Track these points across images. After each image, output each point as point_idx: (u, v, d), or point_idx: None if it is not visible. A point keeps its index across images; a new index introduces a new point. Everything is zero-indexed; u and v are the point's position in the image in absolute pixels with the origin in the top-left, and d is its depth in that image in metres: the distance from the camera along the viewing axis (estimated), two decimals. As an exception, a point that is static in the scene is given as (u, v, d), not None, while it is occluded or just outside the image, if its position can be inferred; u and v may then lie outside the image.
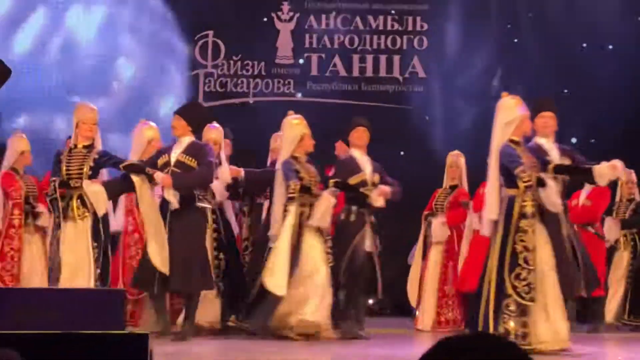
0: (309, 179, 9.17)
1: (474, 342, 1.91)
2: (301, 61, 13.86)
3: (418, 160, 12.64)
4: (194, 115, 9.09)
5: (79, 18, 13.71)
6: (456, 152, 10.85)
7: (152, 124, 10.00)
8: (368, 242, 9.33)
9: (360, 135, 9.64)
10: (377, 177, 9.47)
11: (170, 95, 13.68)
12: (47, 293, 5.58)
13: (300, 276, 8.89)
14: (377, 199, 9.27)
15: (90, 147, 8.90)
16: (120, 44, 13.77)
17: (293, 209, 9.05)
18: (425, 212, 10.86)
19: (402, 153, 13.34)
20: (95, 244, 8.68)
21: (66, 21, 13.69)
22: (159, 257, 8.46)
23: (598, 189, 10.44)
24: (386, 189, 9.41)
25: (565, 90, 13.45)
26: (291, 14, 13.92)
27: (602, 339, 9.95)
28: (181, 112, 9.04)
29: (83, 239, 8.68)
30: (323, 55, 13.90)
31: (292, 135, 9.32)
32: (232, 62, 13.81)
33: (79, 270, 8.56)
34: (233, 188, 9.67)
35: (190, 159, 8.77)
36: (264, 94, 13.81)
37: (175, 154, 8.80)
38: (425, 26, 13.95)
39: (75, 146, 8.93)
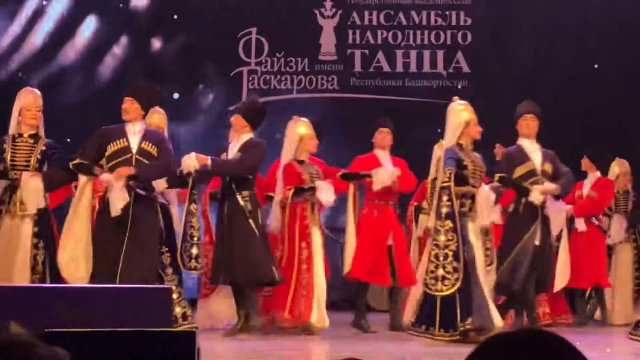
0: (473, 169, 8.33)
1: (525, 338, 1.87)
2: (341, 57, 13.85)
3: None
4: (145, 96, 8.28)
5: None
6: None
7: (304, 119, 9.54)
8: (539, 236, 8.85)
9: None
10: (548, 167, 8.95)
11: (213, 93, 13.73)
12: (95, 291, 5.60)
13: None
14: (538, 197, 8.78)
15: (36, 137, 8.26)
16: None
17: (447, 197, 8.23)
18: (416, 204, 10.33)
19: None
20: (42, 244, 8.14)
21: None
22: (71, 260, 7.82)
23: (603, 180, 10.37)
24: (549, 187, 8.85)
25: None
26: (334, 10, 13.90)
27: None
28: (134, 94, 8.19)
29: (21, 237, 8.09)
30: (366, 52, 13.88)
31: (456, 121, 8.48)
32: (275, 59, 13.83)
33: (13, 273, 7.99)
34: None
35: (152, 146, 8.05)
36: (308, 91, 13.80)
37: (136, 141, 8.03)
38: (469, 21, 13.87)
39: (20, 135, 8.25)
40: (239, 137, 8.82)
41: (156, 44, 13.90)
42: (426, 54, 13.91)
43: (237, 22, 13.81)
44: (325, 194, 9.06)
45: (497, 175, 8.83)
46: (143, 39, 13.86)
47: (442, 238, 8.05)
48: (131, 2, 13.84)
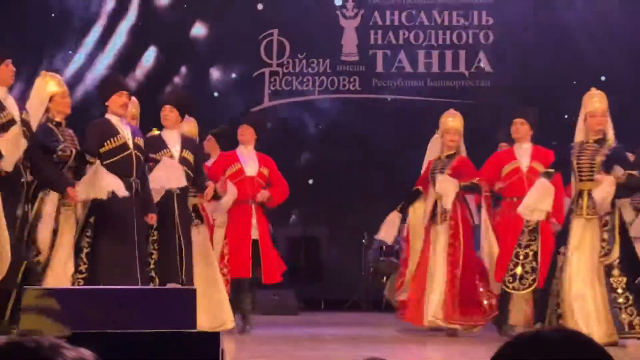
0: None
1: (553, 337, 1.84)
2: (363, 58, 13.85)
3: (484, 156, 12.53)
4: (184, 103, 8.47)
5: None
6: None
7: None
8: None
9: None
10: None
11: (236, 95, 13.75)
12: (120, 292, 5.63)
13: None
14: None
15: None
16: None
17: None
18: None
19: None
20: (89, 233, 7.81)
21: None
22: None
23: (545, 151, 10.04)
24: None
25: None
26: (355, 10, 13.90)
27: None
28: (173, 101, 8.42)
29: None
30: (388, 52, 13.87)
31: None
32: (297, 60, 13.84)
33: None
34: None
35: (189, 154, 8.36)
36: (330, 92, 13.81)
37: (177, 150, 8.30)
38: (491, 20, 13.85)
39: (59, 124, 7.94)
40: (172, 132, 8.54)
41: (215, 73, 13.93)
42: (448, 54, 13.89)
43: (257, 24, 13.82)
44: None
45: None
46: (202, 68, 13.89)
47: (525, 238, 8.64)
48: (190, 32, 13.87)
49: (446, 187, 9.11)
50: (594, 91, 8.47)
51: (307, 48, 13.85)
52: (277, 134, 12.69)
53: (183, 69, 13.88)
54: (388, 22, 13.90)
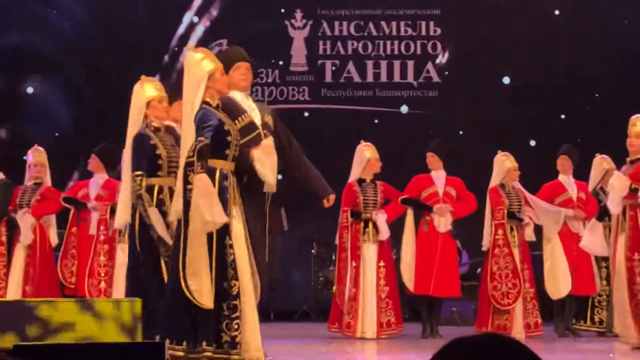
0: None
1: (486, 342, 1.88)
2: (312, 68, 13.86)
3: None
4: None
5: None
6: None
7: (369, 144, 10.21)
8: None
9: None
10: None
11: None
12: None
13: None
14: None
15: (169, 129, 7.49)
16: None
17: None
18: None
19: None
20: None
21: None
22: None
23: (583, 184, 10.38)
24: None
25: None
26: (304, 21, 13.91)
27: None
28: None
29: None
30: (337, 62, 13.90)
31: None
32: (246, 70, 13.79)
33: None
34: None
35: None
36: (279, 102, 13.80)
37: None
38: (439, 31, 13.92)
39: (158, 129, 7.38)
40: None
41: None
42: (396, 64, 13.94)
43: (208, 33, 13.78)
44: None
45: None
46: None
47: None
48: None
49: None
50: None
51: (256, 58, 13.79)
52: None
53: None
54: (337, 33, 13.92)
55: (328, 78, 13.90)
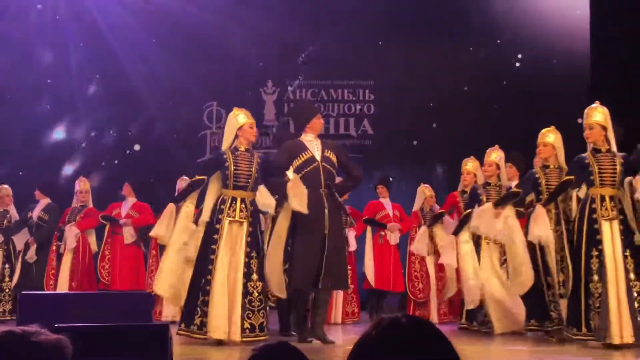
0: None
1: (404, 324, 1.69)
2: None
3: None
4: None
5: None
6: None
7: None
8: None
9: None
10: None
11: (183, 149, 13.62)
12: (86, 296, 5.46)
13: None
14: None
15: (250, 151, 7.14)
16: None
17: None
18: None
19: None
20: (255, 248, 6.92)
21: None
22: None
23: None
24: None
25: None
26: (274, 88, 13.93)
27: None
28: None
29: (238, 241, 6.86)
30: (297, 119, 13.90)
31: None
32: (230, 124, 13.76)
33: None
34: None
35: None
36: (255, 148, 13.70)
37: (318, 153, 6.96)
38: (372, 96, 13.99)
39: (237, 149, 7.08)
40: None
41: (165, 132, 13.74)
42: (341, 120, 13.98)
43: (202, 97, 13.76)
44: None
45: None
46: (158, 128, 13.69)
47: None
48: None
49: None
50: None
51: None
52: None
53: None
54: (298, 97, 13.93)
55: (291, 129, 13.87)
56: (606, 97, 7.30)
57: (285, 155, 6.95)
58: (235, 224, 6.73)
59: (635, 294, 6.35)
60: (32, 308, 4.88)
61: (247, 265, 6.62)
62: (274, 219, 7.06)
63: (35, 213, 10.00)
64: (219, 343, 6.50)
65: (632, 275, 6.38)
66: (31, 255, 9.72)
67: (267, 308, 6.83)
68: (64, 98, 13.49)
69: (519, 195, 7.34)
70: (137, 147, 13.41)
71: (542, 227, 6.84)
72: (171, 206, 7.16)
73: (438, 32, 13.56)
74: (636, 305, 6.32)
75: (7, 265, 9.96)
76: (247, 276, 6.60)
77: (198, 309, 6.57)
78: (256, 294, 6.57)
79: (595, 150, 6.68)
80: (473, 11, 13.72)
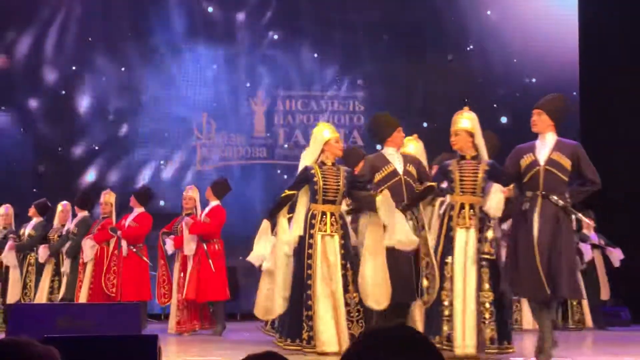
0: None
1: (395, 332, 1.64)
2: (269, 134, 13.88)
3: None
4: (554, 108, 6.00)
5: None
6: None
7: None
8: None
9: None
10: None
11: (174, 161, 13.60)
12: (80, 307, 5.45)
13: None
14: None
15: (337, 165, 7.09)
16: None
17: None
18: None
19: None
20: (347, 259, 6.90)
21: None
22: None
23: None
24: None
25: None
26: (263, 99, 13.94)
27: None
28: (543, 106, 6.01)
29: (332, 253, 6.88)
30: (287, 130, 13.91)
31: None
32: (221, 135, 13.76)
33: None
34: None
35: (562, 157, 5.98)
36: (245, 158, 13.76)
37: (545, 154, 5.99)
38: (362, 107, 14.02)
39: (324, 163, 7.06)
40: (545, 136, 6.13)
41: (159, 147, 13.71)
42: (331, 131, 13.98)
43: (192, 109, 13.76)
44: None
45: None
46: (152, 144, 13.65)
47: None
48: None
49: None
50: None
51: (228, 127, 13.81)
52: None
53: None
54: (287, 108, 13.95)
55: (281, 141, 13.91)
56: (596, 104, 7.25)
57: (368, 169, 6.92)
58: (327, 237, 6.80)
59: (487, 305, 6.08)
60: (22, 319, 4.87)
61: (344, 277, 6.72)
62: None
63: (70, 226, 10.29)
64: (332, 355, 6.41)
65: (486, 285, 6.13)
66: (65, 269, 9.96)
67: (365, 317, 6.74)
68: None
69: (434, 190, 6.69)
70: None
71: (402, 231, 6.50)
72: (266, 223, 7.07)
73: (423, 44, 13.63)
74: (487, 316, 6.08)
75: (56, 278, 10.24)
76: (344, 288, 6.71)
77: (304, 324, 6.66)
78: (353, 305, 6.69)
79: (461, 157, 6.48)
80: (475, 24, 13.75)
